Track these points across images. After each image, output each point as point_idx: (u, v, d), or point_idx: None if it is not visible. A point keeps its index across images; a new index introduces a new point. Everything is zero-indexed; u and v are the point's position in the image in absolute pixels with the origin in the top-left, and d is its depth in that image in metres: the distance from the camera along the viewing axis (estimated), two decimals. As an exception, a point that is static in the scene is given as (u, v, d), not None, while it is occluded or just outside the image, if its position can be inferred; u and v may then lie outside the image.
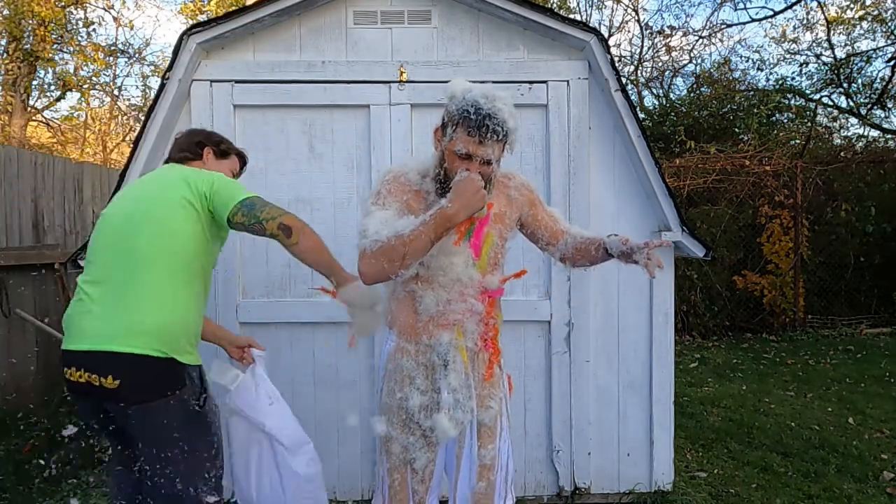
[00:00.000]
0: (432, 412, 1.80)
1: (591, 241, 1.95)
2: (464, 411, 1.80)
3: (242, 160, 2.39)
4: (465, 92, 1.69)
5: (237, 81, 2.98)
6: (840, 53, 10.39)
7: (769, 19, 11.05)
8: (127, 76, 28.32)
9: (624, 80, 4.40)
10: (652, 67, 12.43)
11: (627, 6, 12.65)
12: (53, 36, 10.62)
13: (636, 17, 12.80)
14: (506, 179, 1.92)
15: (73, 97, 15.35)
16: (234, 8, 7.00)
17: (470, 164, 1.67)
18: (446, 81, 2.96)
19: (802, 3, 10.51)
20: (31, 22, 10.18)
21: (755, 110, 8.80)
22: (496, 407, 1.89)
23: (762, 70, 11.76)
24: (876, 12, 9.94)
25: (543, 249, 2.04)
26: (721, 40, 15.27)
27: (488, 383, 1.89)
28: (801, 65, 10.58)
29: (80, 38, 11.29)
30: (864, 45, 18.59)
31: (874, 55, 10.00)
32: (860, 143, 9.82)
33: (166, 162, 2.24)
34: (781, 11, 10.74)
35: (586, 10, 12.78)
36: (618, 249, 1.85)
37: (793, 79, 10.35)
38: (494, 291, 1.87)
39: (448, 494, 1.93)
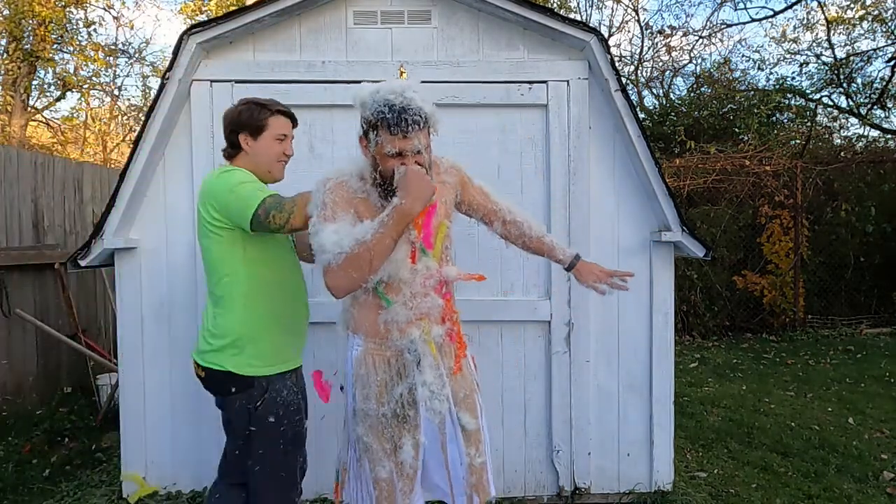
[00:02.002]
0: (409, 409, 1.82)
1: (545, 250, 2.10)
2: (440, 401, 1.83)
3: (287, 116, 2.20)
4: (373, 94, 1.70)
5: (237, 81, 2.98)
6: (840, 53, 10.40)
7: (769, 19, 11.06)
8: (127, 76, 28.29)
9: (624, 80, 4.40)
10: (652, 67, 12.44)
11: (627, 6, 12.66)
12: (53, 36, 10.63)
13: (636, 17, 12.82)
14: (436, 166, 1.95)
15: (73, 97, 15.39)
16: (234, 8, 7.00)
17: (403, 159, 1.70)
18: (447, 81, 3.00)
19: (802, 3, 10.52)
20: (31, 22, 10.19)
21: (755, 110, 8.81)
22: (469, 391, 1.95)
23: (762, 70, 11.80)
24: (876, 12, 9.94)
25: (482, 224, 2.13)
26: (721, 40, 15.28)
27: (458, 376, 1.93)
28: (801, 65, 10.60)
29: (80, 38, 11.30)
30: (864, 45, 18.62)
31: (874, 55, 10.01)
32: (860, 143, 9.82)
33: None
34: (781, 11, 10.75)
35: (586, 10, 12.79)
36: (577, 279, 2.08)
37: (793, 79, 10.37)
38: (452, 279, 1.90)
39: (441, 486, 1.94)
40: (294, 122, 2.24)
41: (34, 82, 11.36)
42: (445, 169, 1.98)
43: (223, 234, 2.06)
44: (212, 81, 2.97)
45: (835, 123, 10.74)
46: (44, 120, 12.29)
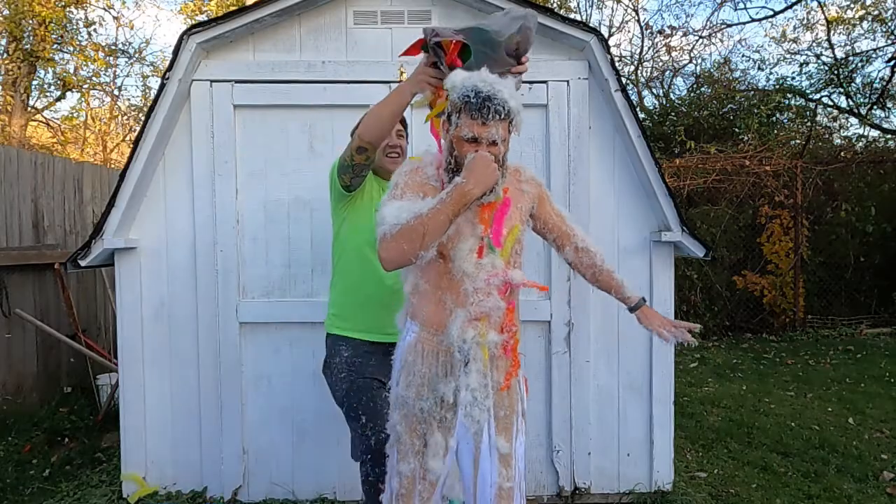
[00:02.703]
0: (447, 412, 1.80)
1: (613, 286, 2.07)
2: (480, 409, 1.79)
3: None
4: (464, 80, 1.73)
5: (237, 81, 2.99)
6: (840, 53, 10.40)
7: (769, 19, 11.07)
8: (127, 76, 28.29)
9: (624, 80, 4.40)
10: (652, 67, 12.45)
11: (627, 6, 12.66)
12: (53, 36, 10.63)
13: (636, 17, 12.82)
14: (517, 173, 1.95)
15: (73, 97, 15.39)
16: (234, 8, 7.00)
17: (477, 146, 1.71)
18: (446, 81, 2.99)
19: (802, 3, 10.52)
20: (31, 22, 10.18)
21: (755, 110, 8.81)
22: (510, 411, 1.88)
23: (762, 70, 11.79)
24: (876, 12, 9.94)
25: (552, 246, 2.10)
26: (721, 40, 15.28)
27: (504, 393, 1.87)
28: (801, 65, 10.60)
29: (80, 38, 11.29)
30: (864, 45, 18.64)
31: (874, 55, 10.01)
32: (860, 143, 9.82)
33: None
34: (781, 11, 10.76)
35: (586, 10, 12.79)
36: (639, 320, 2.04)
37: (793, 79, 10.36)
38: (517, 283, 1.85)
39: (466, 497, 1.89)
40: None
41: (34, 82, 11.36)
42: (527, 178, 1.97)
43: (333, 221, 2.39)
44: (212, 81, 2.98)
45: (835, 123, 10.75)
46: (44, 120, 12.28)
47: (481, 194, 1.69)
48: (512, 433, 1.87)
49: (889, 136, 9.80)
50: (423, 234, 1.62)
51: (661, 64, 12.35)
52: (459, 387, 1.78)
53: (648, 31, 12.27)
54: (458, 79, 1.74)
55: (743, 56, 16.67)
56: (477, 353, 1.78)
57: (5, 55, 10.40)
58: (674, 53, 12.15)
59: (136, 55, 12.48)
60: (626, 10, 13.09)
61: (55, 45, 10.85)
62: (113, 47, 11.83)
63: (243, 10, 2.91)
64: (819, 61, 10.56)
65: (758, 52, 14.44)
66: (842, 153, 8.62)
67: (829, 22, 10.30)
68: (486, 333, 1.79)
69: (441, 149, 1.86)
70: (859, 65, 10.03)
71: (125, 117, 13.04)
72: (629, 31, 20.74)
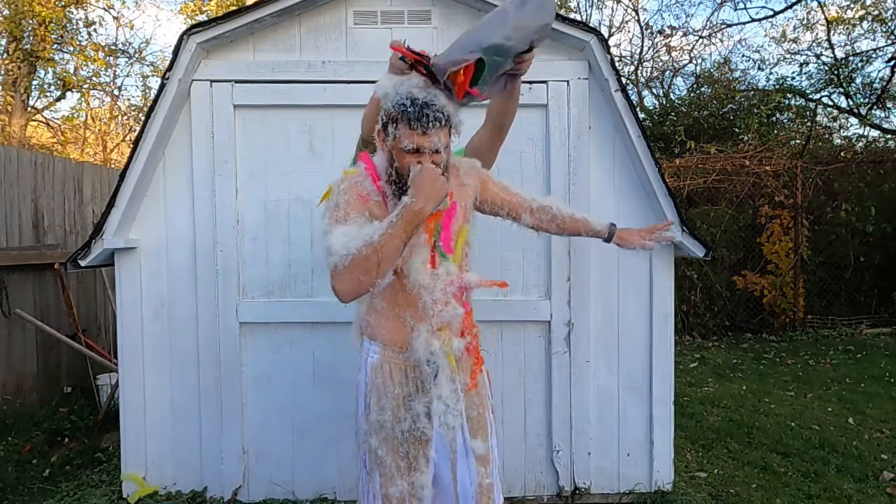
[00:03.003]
0: (424, 426, 1.77)
1: (581, 228, 2.07)
2: (454, 416, 1.78)
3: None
4: (396, 86, 1.67)
5: (237, 81, 2.99)
6: (840, 53, 10.40)
7: (769, 19, 11.06)
8: (127, 76, 28.29)
9: (624, 80, 4.40)
10: (652, 67, 12.44)
11: (627, 6, 12.66)
12: (53, 36, 10.63)
13: (636, 17, 12.81)
14: (455, 170, 1.88)
15: (73, 97, 15.39)
16: (234, 8, 7.00)
17: (420, 156, 1.65)
18: (446, 81, 3.00)
19: (802, 3, 10.52)
20: (31, 22, 10.18)
21: (755, 110, 8.81)
22: (482, 409, 1.90)
23: (762, 70, 11.79)
24: (876, 12, 9.94)
25: (509, 219, 2.06)
26: (721, 40, 15.27)
27: (473, 392, 1.87)
28: (801, 65, 10.59)
29: (80, 39, 11.29)
30: (864, 45, 18.62)
31: (874, 55, 10.01)
32: (860, 143, 9.82)
33: None
34: (781, 11, 10.76)
35: (586, 10, 12.79)
36: (619, 246, 2.08)
37: (793, 79, 10.36)
38: (474, 286, 1.83)
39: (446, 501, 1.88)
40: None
41: (34, 82, 11.36)
42: (465, 171, 1.91)
43: None
44: (212, 81, 2.98)
45: (835, 123, 10.75)
46: (44, 120, 12.28)
47: (433, 211, 1.64)
48: (487, 431, 1.88)
49: (889, 136, 9.80)
50: (377, 262, 1.56)
51: (661, 64, 12.36)
52: (432, 398, 1.76)
53: (648, 31, 12.28)
54: (390, 85, 1.69)
55: (743, 56, 16.66)
56: (444, 363, 1.76)
57: (5, 55, 10.40)
58: (674, 53, 12.16)
59: (136, 55, 12.49)
60: (626, 10, 13.09)
61: (55, 45, 10.86)
62: (113, 47, 11.84)
63: (243, 10, 2.91)
64: (819, 61, 10.56)
65: (758, 52, 14.44)
66: (842, 153, 8.62)
67: (829, 22, 10.30)
68: (450, 342, 1.77)
69: (368, 160, 1.79)
70: (859, 65, 10.03)
71: (125, 117, 13.05)
72: (629, 31, 20.74)
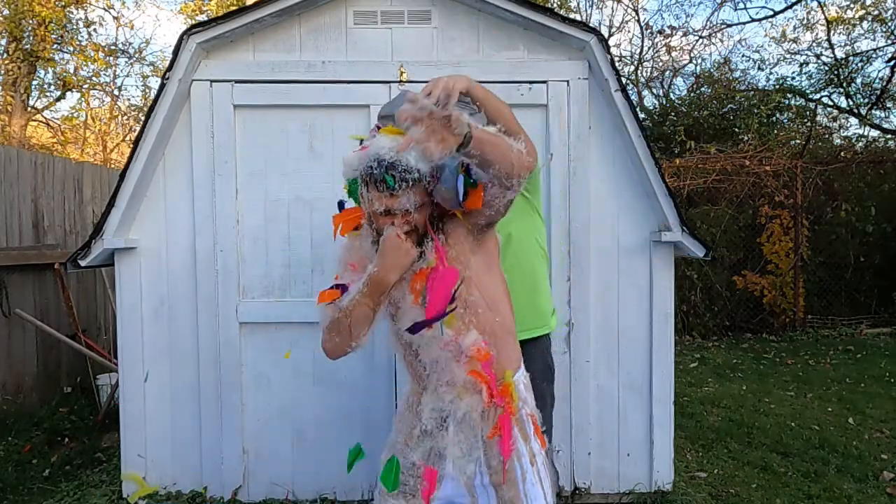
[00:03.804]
0: (436, 463, 1.70)
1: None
2: (468, 461, 1.69)
3: None
4: (363, 154, 1.62)
5: (237, 81, 2.99)
6: (840, 53, 10.40)
7: (769, 19, 11.07)
8: (127, 76, 28.31)
9: (624, 80, 4.41)
10: (652, 67, 12.45)
11: (627, 6, 12.67)
12: (53, 36, 10.63)
13: (636, 17, 12.82)
14: (454, 225, 1.72)
15: (73, 97, 15.38)
16: (234, 8, 7.00)
17: (392, 217, 1.61)
18: (446, 81, 3.00)
19: (802, 3, 10.52)
20: (31, 22, 10.18)
21: (755, 110, 8.81)
22: (504, 457, 1.73)
23: (762, 70, 11.80)
24: (876, 12, 9.94)
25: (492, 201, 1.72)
26: (721, 40, 15.29)
27: (493, 440, 1.72)
28: (801, 65, 10.60)
29: (80, 39, 11.29)
30: (864, 45, 18.63)
31: (874, 55, 10.01)
32: (860, 143, 9.82)
33: None
34: (781, 11, 10.76)
35: (586, 10, 12.80)
36: None
37: (793, 79, 10.36)
38: (465, 351, 1.67)
39: None
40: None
41: (34, 82, 11.36)
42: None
43: None
44: (212, 81, 2.98)
45: (835, 123, 10.76)
46: (44, 120, 12.28)
47: (398, 278, 1.61)
48: (515, 477, 1.73)
49: (889, 136, 9.81)
50: (348, 325, 1.60)
51: (661, 64, 12.37)
52: (448, 442, 1.69)
53: (648, 31, 12.29)
54: (355, 157, 1.65)
55: (743, 56, 16.70)
56: (457, 411, 1.68)
57: (5, 55, 10.40)
58: (674, 53, 12.17)
59: (136, 55, 12.49)
60: (626, 10, 13.10)
61: (55, 45, 10.85)
62: (113, 47, 11.83)
63: (243, 10, 2.91)
64: (819, 61, 10.56)
65: (758, 52, 14.48)
66: (842, 153, 8.62)
67: (829, 22, 10.30)
68: (462, 395, 1.68)
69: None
70: (859, 65, 10.03)
71: (125, 117, 13.05)
72: (629, 31, 20.76)
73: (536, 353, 2.25)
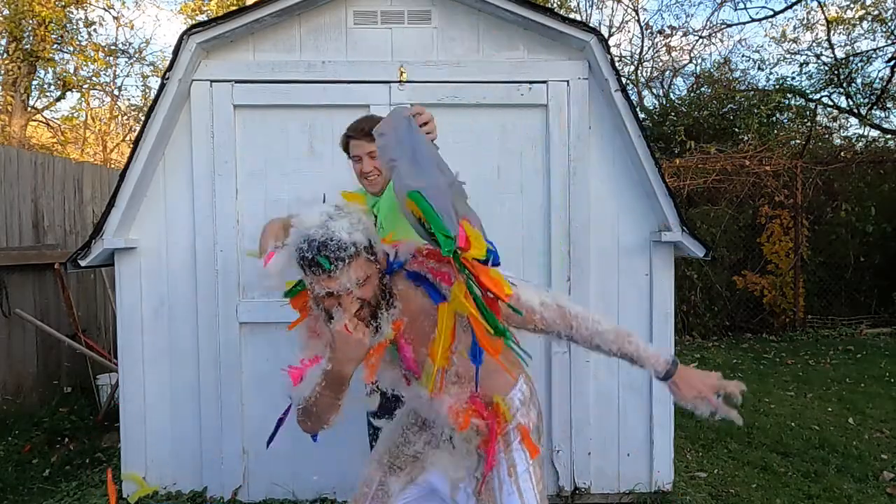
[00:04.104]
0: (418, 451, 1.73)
1: (628, 347, 1.69)
2: (457, 469, 1.71)
3: (355, 137, 2.30)
4: (294, 233, 1.48)
5: (237, 81, 2.99)
6: (840, 53, 10.40)
7: (769, 19, 11.07)
8: (127, 76, 28.33)
9: (624, 80, 4.40)
10: (652, 67, 12.45)
11: (627, 6, 12.66)
12: (53, 36, 10.62)
13: (636, 17, 12.81)
14: (398, 280, 1.60)
15: (73, 97, 15.37)
16: (234, 8, 7.00)
17: (336, 299, 1.46)
18: (447, 81, 3.00)
19: (802, 3, 10.52)
20: (31, 22, 10.18)
21: (755, 110, 8.81)
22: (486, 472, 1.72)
23: (762, 70, 11.79)
24: (876, 12, 9.94)
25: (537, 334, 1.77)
26: (721, 40, 15.28)
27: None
28: (801, 65, 10.60)
29: (80, 39, 11.29)
30: (864, 45, 18.63)
31: (874, 55, 10.01)
32: (860, 143, 9.82)
33: None
34: (781, 11, 10.76)
35: (586, 10, 12.79)
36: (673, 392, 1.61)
37: (793, 79, 10.37)
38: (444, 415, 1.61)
39: None
40: (361, 137, 2.24)
41: (34, 82, 11.35)
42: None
43: None
44: (212, 81, 2.98)
45: (835, 123, 10.76)
46: (44, 120, 12.28)
47: (355, 368, 1.50)
48: (492, 487, 1.70)
49: (889, 136, 9.81)
50: (316, 414, 1.57)
51: (661, 64, 12.37)
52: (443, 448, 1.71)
53: (648, 31, 12.28)
54: (292, 236, 1.50)
55: (743, 56, 16.70)
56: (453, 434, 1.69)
57: (5, 55, 10.40)
58: (674, 53, 12.17)
59: (136, 55, 12.48)
60: (626, 10, 13.09)
61: (55, 45, 10.85)
62: (113, 47, 11.83)
63: (243, 10, 2.91)
64: (819, 61, 10.56)
65: (758, 52, 14.49)
66: (842, 153, 8.62)
67: (829, 22, 10.31)
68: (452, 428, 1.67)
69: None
70: (859, 65, 10.03)
71: (125, 117, 13.05)
72: (629, 31, 20.75)
73: None
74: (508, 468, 1.73)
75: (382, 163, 1.70)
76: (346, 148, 2.34)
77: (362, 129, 2.23)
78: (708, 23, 14.10)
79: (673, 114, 9.63)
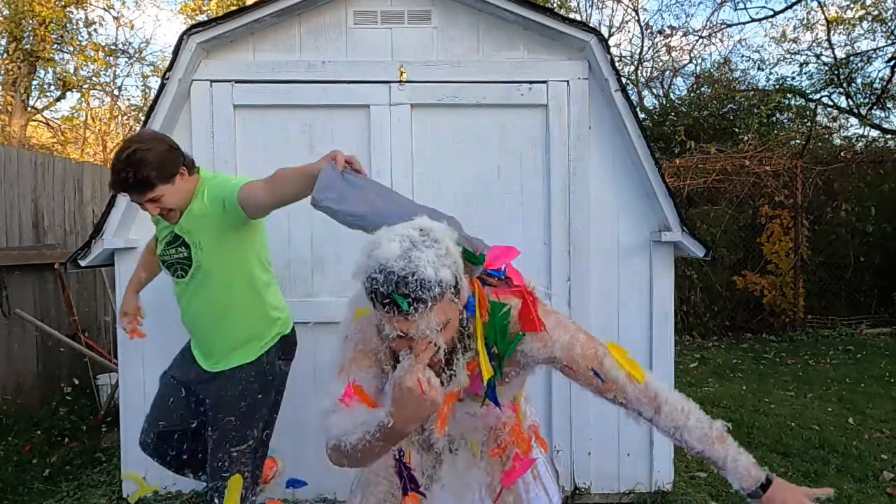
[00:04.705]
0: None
1: (716, 453, 1.49)
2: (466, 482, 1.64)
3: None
4: (368, 251, 1.27)
5: (237, 81, 2.99)
6: (840, 53, 10.41)
7: (769, 19, 11.07)
8: (127, 76, 28.31)
9: (624, 80, 4.41)
10: (652, 67, 12.45)
11: (627, 6, 12.66)
12: (53, 36, 10.63)
13: (636, 17, 12.81)
14: (512, 361, 1.44)
15: (73, 97, 15.36)
16: (234, 8, 7.00)
17: (409, 341, 1.27)
18: (447, 81, 3.00)
19: (802, 3, 10.52)
20: (31, 22, 10.18)
21: (755, 110, 8.82)
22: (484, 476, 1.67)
23: (762, 70, 11.78)
24: (876, 12, 9.94)
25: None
26: (721, 40, 15.27)
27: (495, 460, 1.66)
28: (801, 65, 10.61)
29: (80, 39, 11.29)
30: (864, 45, 18.60)
31: (874, 55, 10.01)
32: (860, 143, 9.82)
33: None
34: (781, 11, 10.76)
35: (586, 10, 12.79)
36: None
37: (793, 79, 10.37)
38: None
39: None
40: (127, 191, 2.13)
41: (34, 82, 11.36)
42: (532, 356, 1.43)
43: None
44: (212, 81, 2.97)
45: (835, 123, 10.76)
46: (44, 120, 12.28)
47: (415, 428, 1.31)
48: (517, 488, 1.67)
49: (889, 136, 9.81)
50: (360, 459, 1.37)
51: (661, 64, 12.37)
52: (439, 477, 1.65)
53: (648, 31, 12.28)
54: (364, 249, 1.29)
55: (743, 56, 16.65)
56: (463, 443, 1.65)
57: (5, 55, 10.40)
58: (674, 53, 12.17)
59: (136, 55, 12.48)
60: (626, 10, 13.08)
61: (55, 45, 10.85)
62: (113, 47, 11.83)
63: (243, 10, 2.91)
64: (819, 61, 10.56)
65: (758, 52, 14.46)
66: (842, 153, 8.62)
67: (829, 22, 10.31)
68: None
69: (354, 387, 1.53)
70: (859, 65, 10.03)
71: (125, 117, 13.04)
72: (629, 31, 20.75)
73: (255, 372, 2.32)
74: (532, 470, 1.70)
75: (337, 218, 1.72)
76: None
77: (126, 183, 2.07)
78: (708, 23, 14.08)
79: (673, 114, 9.64)
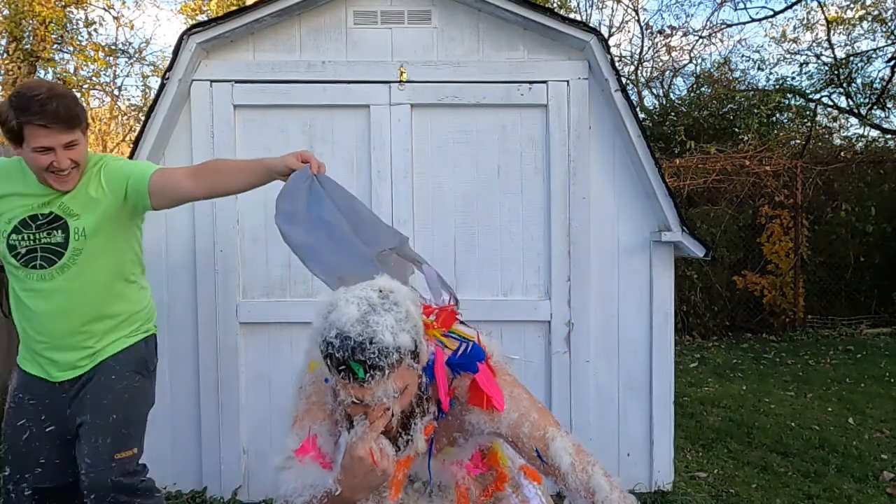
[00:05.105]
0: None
1: None
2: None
3: (46, 125, 1.79)
4: (325, 314, 1.23)
5: (237, 81, 2.99)
6: (840, 53, 10.41)
7: (769, 19, 11.06)
8: (127, 76, 28.36)
9: (624, 80, 4.41)
10: (652, 67, 12.45)
11: (627, 6, 12.66)
12: (53, 36, 10.62)
13: (636, 17, 12.81)
14: (453, 421, 1.41)
15: (73, 97, 15.34)
16: (234, 8, 7.00)
17: (365, 408, 1.24)
18: (447, 81, 3.01)
19: (802, 3, 10.52)
20: (31, 22, 10.18)
21: (755, 110, 8.81)
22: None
23: (762, 70, 11.79)
24: (876, 12, 9.94)
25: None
26: (721, 40, 15.28)
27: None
28: (801, 65, 10.61)
29: (80, 39, 11.29)
30: (864, 45, 18.61)
31: (874, 55, 10.01)
32: (860, 143, 9.82)
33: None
34: (781, 11, 10.75)
35: (586, 10, 12.79)
36: None
37: (793, 79, 10.37)
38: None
39: None
40: (55, 123, 1.75)
41: (34, 82, 11.36)
42: (476, 428, 1.40)
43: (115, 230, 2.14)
44: (212, 81, 2.98)
45: (835, 123, 10.76)
46: (44, 120, 12.27)
47: (363, 497, 1.29)
48: None
49: (889, 136, 9.81)
50: None
51: (661, 64, 12.37)
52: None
53: (648, 31, 12.29)
54: (319, 311, 1.26)
55: (743, 56, 16.66)
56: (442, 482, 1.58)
57: (5, 55, 10.40)
58: (674, 53, 12.17)
59: (136, 55, 12.47)
60: (626, 10, 13.08)
61: (55, 45, 10.85)
62: (113, 47, 11.82)
63: (243, 10, 2.91)
64: (819, 61, 10.57)
65: (758, 52, 14.45)
66: (842, 153, 8.62)
67: (829, 22, 10.30)
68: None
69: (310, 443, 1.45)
70: (859, 65, 10.04)
71: (125, 117, 13.04)
72: (629, 31, 20.78)
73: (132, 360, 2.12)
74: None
75: (285, 240, 1.68)
76: (18, 137, 1.76)
77: (56, 114, 1.72)
78: (708, 23, 14.10)
79: (673, 114, 9.63)
